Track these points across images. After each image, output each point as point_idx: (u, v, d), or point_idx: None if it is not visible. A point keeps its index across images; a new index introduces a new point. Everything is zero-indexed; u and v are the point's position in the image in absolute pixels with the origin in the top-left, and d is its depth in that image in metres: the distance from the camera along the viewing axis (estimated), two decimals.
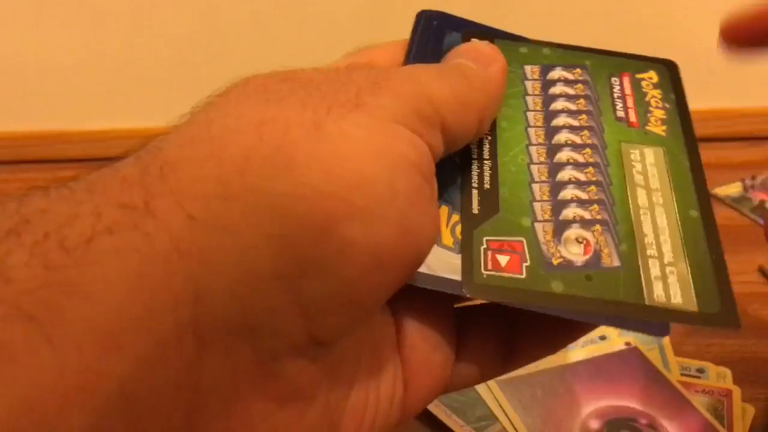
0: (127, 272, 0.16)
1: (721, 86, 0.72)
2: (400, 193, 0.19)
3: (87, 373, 0.15)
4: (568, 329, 0.26)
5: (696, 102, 0.82)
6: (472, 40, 0.27)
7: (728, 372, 0.44)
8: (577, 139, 0.27)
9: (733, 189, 0.64)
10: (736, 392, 0.42)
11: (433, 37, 0.27)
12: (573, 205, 0.25)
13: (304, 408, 0.20)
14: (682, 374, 0.43)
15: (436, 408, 0.41)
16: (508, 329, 0.26)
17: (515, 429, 0.39)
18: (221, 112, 0.20)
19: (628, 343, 0.45)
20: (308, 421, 0.20)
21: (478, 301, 0.25)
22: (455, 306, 0.25)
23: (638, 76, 0.30)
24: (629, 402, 0.41)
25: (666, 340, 0.46)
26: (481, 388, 0.42)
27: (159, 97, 0.73)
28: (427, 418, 0.41)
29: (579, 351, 0.44)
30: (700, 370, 0.44)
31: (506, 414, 0.40)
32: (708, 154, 0.80)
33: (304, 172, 0.18)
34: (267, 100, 0.20)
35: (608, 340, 0.45)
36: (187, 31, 0.71)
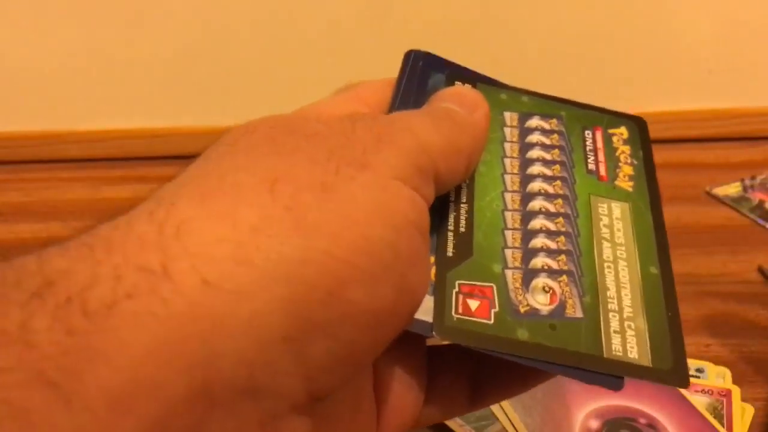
0: (145, 337, 0.17)
1: (721, 86, 0.72)
2: (402, 255, 0.20)
3: None
4: (532, 374, 0.27)
5: (696, 102, 0.82)
6: (456, 83, 0.28)
7: (727, 372, 0.44)
8: (550, 189, 0.28)
9: (732, 189, 0.64)
10: (736, 392, 0.42)
11: (418, 77, 0.28)
12: (542, 254, 0.26)
13: None
14: None
15: None
16: (475, 369, 0.27)
17: (515, 429, 0.39)
18: (232, 165, 0.20)
19: None
20: None
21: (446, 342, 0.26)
22: (427, 344, 0.26)
23: (610, 131, 0.30)
24: (629, 402, 0.41)
25: None
26: None
27: (159, 97, 0.73)
28: None
29: None
30: (700, 370, 0.44)
31: (506, 414, 0.40)
32: (708, 154, 0.80)
33: (314, 237, 0.19)
34: (277, 155, 0.21)
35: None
36: (187, 31, 0.71)
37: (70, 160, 0.73)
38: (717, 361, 0.44)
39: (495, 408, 0.41)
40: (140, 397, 0.16)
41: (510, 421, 0.40)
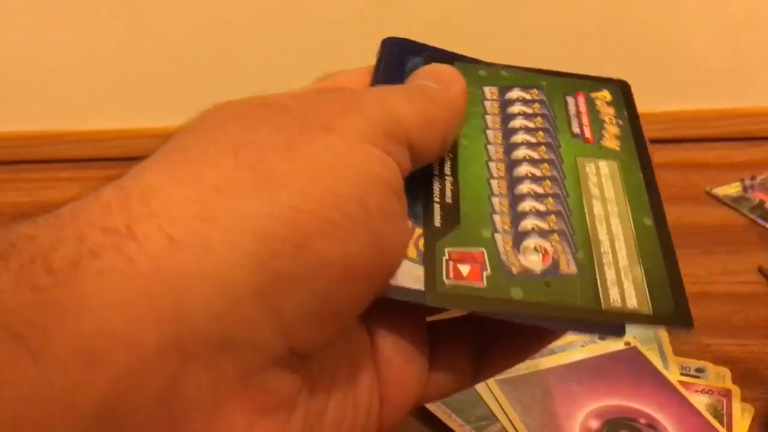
0: (110, 292, 0.17)
1: (721, 86, 0.72)
2: (372, 210, 0.20)
3: (70, 388, 0.16)
4: (534, 338, 0.27)
5: (696, 102, 0.82)
6: (433, 63, 0.28)
7: (727, 372, 0.44)
8: (535, 155, 0.28)
9: (732, 189, 0.64)
10: (736, 392, 0.42)
11: (396, 62, 0.28)
12: (531, 216, 0.26)
13: (286, 419, 0.20)
14: (681, 374, 0.44)
15: (436, 408, 0.41)
16: (477, 341, 0.27)
17: (515, 429, 0.39)
18: (198, 138, 0.21)
19: (627, 343, 0.45)
20: None
21: (448, 315, 0.26)
22: (428, 320, 0.26)
23: (592, 95, 0.31)
24: (629, 402, 0.41)
25: (666, 339, 0.46)
26: (481, 388, 0.42)
27: (159, 97, 0.73)
28: (427, 418, 0.41)
29: (579, 351, 0.44)
30: (700, 370, 0.44)
31: (506, 414, 0.40)
32: (707, 154, 0.80)
33: (280, 192, 0.19)
34: (242, 127, 0.21)
35: (608, 340, 0.45)
36: (187, 31, 0.71)
37: (70, 160, 0.73)
38: (717, 361, 0.44)
39: (495, 408, 0.41)
40: (109, 350, 0.16)
41: (510, 421, 0.40)
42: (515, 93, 0.30)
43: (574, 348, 0.44)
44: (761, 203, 0.62)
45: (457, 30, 0.68)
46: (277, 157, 0.20)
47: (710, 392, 0.42)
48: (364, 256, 0.20)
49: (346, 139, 0.21)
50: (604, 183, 0.27)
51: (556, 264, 0.25)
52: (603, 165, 0.28)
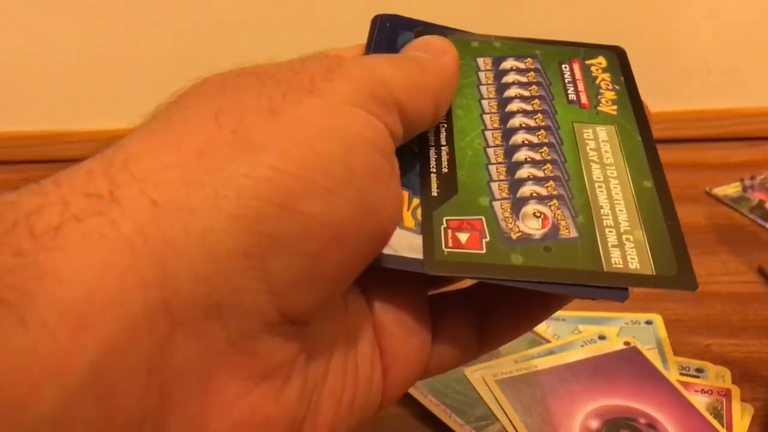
0: (95, 256, 0.17)
1: (721, 86, 0.72)
2: (357, 171, 0.20)
3: (58, 353, 0.15)
4: (538, 307, 0.27)
5: (696, 102, 0.82)
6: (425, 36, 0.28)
7: (727, 372, 0.44)
8: (531, 122, 0.28)
9: (732, 189, 0.64)
10: (736, 392, 0.42)
11: (387, 38, 0.28)
12: (529, 182, 0.26)
13: (281, 386, 0.20)
14: (681, 374, 0.43)
15: (436, 408, 0.41)
16: (480, 312, 0.27)
17: (515, 429, 0.39)
18: (180, 106, 0.21)
19: (627, 343, 0.45)
20: (285, 400, 0.20)
21: (450, 288, 0.26)
22: (430, 294, 0.26)
23: (588, 62, 0.31)
24: (628, 401, 0.41)
25: (666, 339, 0.46)
26: (481, 388, 0.42)
27: (159, 97, 0.72)
28: (427, 417, 0.41)
29: (578, 351, 0.44)
30: (699, 370, 0.44)
31: (506, 414, 0.40)
32: (707, 154, 0.80)
33: (262, 154, 0.19)
34: (224, 93, 0.21)
35: (608, 340, 0.45)
36: (188, 31, 0.71)
37: (70, 160, 0.72)
38: (717, 361, 0.44)
39: (495, 408, 0.41)
40: (96, 314, 0.16)
41: (510, 421, 0.40)
42: (509, 63, 0.30)
43: (574, 348, 0.44)
44: (761, 203, 0.62)
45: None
46: (259, 119, 0.20)
47: (710, 392, 0.42)
48: (352, 218, 0.20)
49: (329, 101, 0.21)
50: (602, 147, 0.27)
51: (555, 228, 0.24)
52: (601, 130, 0.28)
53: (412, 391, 0.42)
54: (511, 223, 0.24)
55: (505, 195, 0.25)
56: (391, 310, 0.24)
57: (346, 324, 0.23)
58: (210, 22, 0.71)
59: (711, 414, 0.40)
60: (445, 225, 0.24)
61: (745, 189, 0.64)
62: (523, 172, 0.26)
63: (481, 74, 0.29)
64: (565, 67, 0.30)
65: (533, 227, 0.24)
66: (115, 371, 0.16)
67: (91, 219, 0.17)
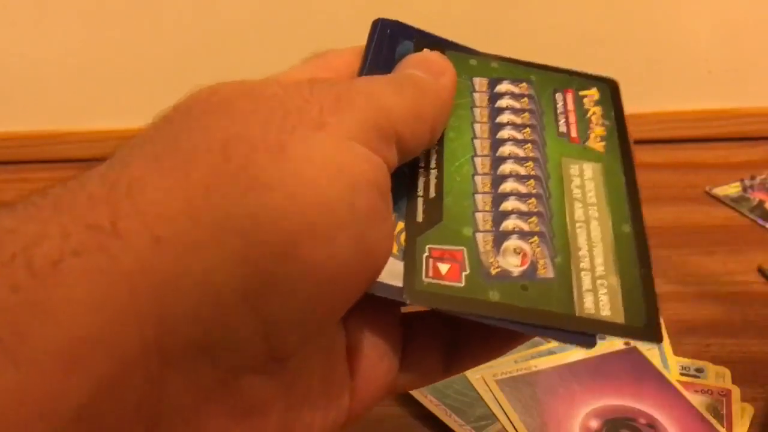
0: (92, 293, 0.16)
1: (721, 86, 0.72)
2: (359, 213, 0.20)
3: (48, 393, 0.15)
4: (505, 339, 0.27)
5: (696, 102, 0.82)
6: (424, 50, 0.28)
7: (727, 372, 0.44)
8: (521, 152, 0.28)
9: (732, 189, 0.64)
10: (735, 392, 0.42)
11: (387, 45, 0.28)
12: (513, 216, 0.26)
13: (261, 422, 0.20)
14: (681, 374, 0.43)
15: (436, 408, 0.41)
16: (450, 335, 0.27)
17: (515, 429, 0.39)
18: (185, 127, 0.20)
19: (627, 343, 0.45)
20: None
21: (422, 309, 0.26)
22: (402, 311, 0.26)
23: (581, 93, 0.30)
24: (628, 401, 0.41)
25: (665, 339, 0.46)
26: (481, 388, 0.42)
27: (159, 97, 0.72)
28: (427, 418, 0.41)
29: (579, 351, 0.44)
30: (699, 370, 0.44)
31: (506, 413, 0.40)
32: (707, 154, 0.80)
33: (268, 194, 0.19)
34: (232, 117, 0.20)
35: (608, 339, 0.45)
36: (188, 31, 0.71)
37: (70, 160, 0.73)
38: (717, 361, 0.44)
39: (495, 408, 0.41)
40: (89, 354, 0.16)
41: (510, 421, 0.40)
42: (504, 86, 0.30)
43: (574, 348, 0.44)
44: (761, 203, 0.62)
45: (457, 30, 0.68)
46: (267, 155, 0.19)
47: (710, 392, 0.42)
48: (351, 260, 0.20)
49: (336, 137, 0.20)
50: (586, 186, 0.27)
51: (534, 267, 0.24)
52: (587, 167, 0.28)
53: (412, 391, 0.42)
54: (491, 258, 0.24)
55: (488, 227, 0.25)
56: (365, 332, 0.24)
57: (323, 350, 0.23)
58: (210, 22, 0.71)
59: (711, 414, 0.40)
60: (427, 253, 0.24)
61: (745, 189, 0.64)
62: (508, 204, 0.26)
63: (476, 95, 0.29)
64: (559, 96, 0.30)
65: (512, 264, 0.24)
66: (105, 410, 0.16)
67: (91, 254, 0.17)
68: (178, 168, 0.19)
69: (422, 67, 0.25)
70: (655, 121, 0.70)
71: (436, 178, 0.26)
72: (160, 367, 0.17)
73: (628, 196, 0.27)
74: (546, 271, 0.24)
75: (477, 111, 0.28)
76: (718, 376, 0.43)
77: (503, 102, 0.29)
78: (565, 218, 0.26)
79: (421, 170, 0.26)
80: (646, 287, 0.25)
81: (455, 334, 0.27)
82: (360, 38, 0.29)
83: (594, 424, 0.39)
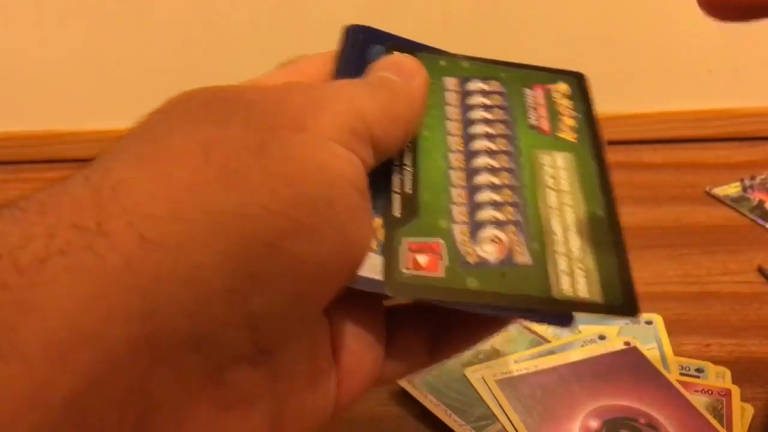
0: (79, 290, 0.17)
1: (721, 86, 0.72)
2: (339, 210, 0.21)
3: (36, 385, 0.16)
4: (487, 325, 0.28)
5: (696, 102, 0.82)
6: (395, 53, 0.29)
7: (727, 372, 0.44)
8: (494, 147, 0.28)
9: (732, 189, 0.64)
10: (735, 392, 0.42)
11: (358, 49, 0.29)
12: (488, 207, 0.26)
13: (248, 413, 0.21)
14: (681, 374, 0.44)
15: (436, 408, 0.41)
16: (434, 322, 0.27)
17: (515, 429, 0.39)
18: (166, 130, 0.21)
19: (627, 343, 0.45)
20: (252, 425, 0.21)
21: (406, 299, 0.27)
22: (385, 304, 0.27)
23: (550, 87, 0.31)
24: (628, 401, 0.41)
25: (666, 339, 0.46)
26: (481, 388, 0.42)
27: (159, 97, 0.72)
28: (427, 418, 0.41)
29: (578, 351, 0.44)
30: (699, 370, 0.44)
31: (506, 413, 0.40)
32: (707, 154, 0.80)
33: (251, 193, 0.19)
34: (211, 121, 0.21)
35: (608, 339, 0.45)
36: (187, 31, 0.71)
37: (70, 160, 0.73)
38: (717, 361, 0.44)
39: (495, 408, 0.41)
40: (77, 348, 0.16)
41: (510, 421, 0.40)
42: (475, 84, 0.30)
43: (574, 348, 0.45)
44: (761, 203, 0.62)
45: (456, 30, 0.68)
46: (248, 156, 0.20)
47: (710, 392, 0.42)
48: (333, 255, 0.21)
49: (315, 138, 0.21)
50: (559, 174, 0.28)
51: (511, 254, 0.25)
52: (558, 156, 0.29)
53: (412, 391, 0.42)
54: (468, 247, 0.25)
55: (464, 219, 0.26)
56: (349, 325, 0.25)
57: (308, 343, 0.23)
58: (210, 23, 0.71)
59: (711, 414, 0.40)
60: (405, 247, 0.25)
61: (745, 189, 0.64)
62: (483, 196, 0.27)
63: (448, 94, 0.29)
64: (528, 92, 0.31)
65: (490, 252, 0.25)
66: (93, 403, 0.17)
67: (77, 252, 0.17)
68: (161, 170, 0.19)
69: (394, 70, 0.26)
70: (655, 121, 0.70)
71: (411, 174, 0.27)
72: (149, 361, 0.18)
73: (599, 182, 0.28)
74: (523, 257, 0.25)
75: (449, 109, 0.29)
76: (718, 376, 0.43)
77: (475, 99, 0.30)
78: (539, 206, 0.27)
79: (396, 168, 0.27)
80: (621, 266, 0.26)
81: (439, 321, 0.27)
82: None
83: (594, 424, 0.39)
